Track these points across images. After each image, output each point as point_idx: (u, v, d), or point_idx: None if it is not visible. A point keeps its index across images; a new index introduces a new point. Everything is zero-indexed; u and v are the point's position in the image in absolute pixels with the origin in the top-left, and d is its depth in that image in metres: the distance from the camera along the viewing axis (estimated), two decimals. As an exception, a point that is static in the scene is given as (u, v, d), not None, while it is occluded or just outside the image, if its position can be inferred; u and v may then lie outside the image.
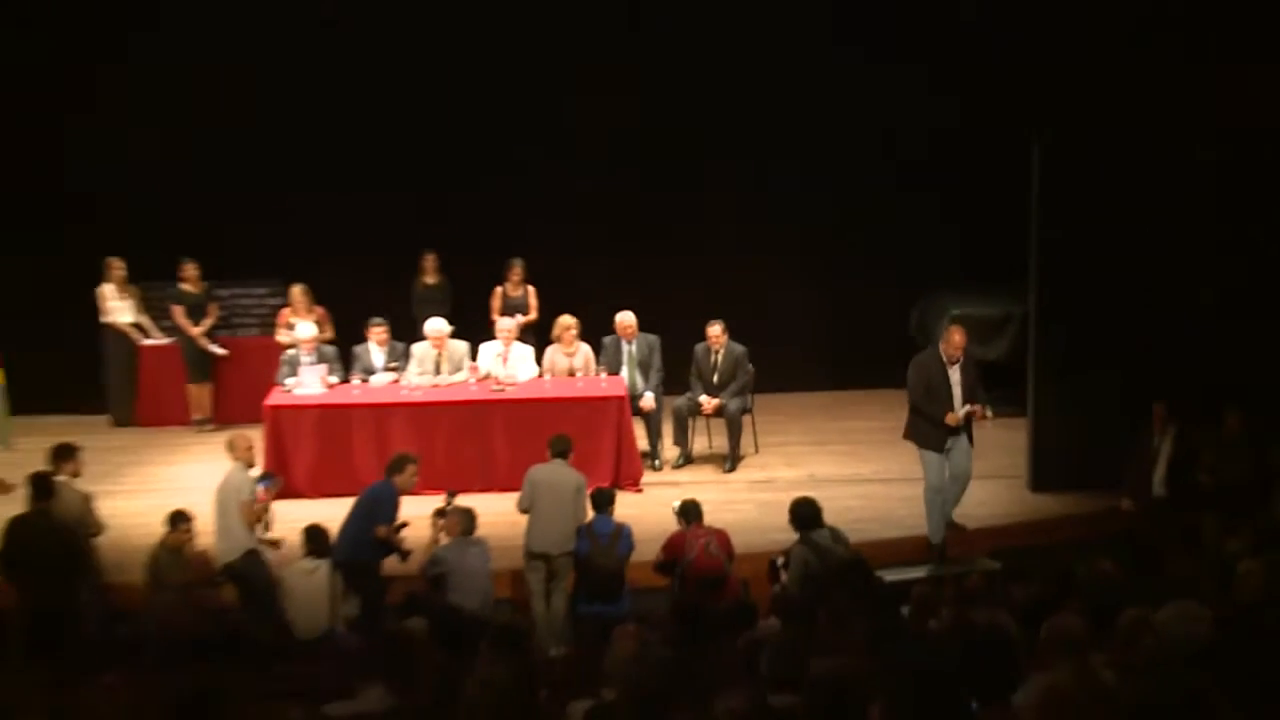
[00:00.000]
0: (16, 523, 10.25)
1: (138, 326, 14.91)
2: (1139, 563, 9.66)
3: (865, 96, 14.88)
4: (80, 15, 14.58)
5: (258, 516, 10.91)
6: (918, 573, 10.82)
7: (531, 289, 14.47)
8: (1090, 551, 9.52)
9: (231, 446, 11.16)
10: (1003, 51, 14.02)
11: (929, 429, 11.35)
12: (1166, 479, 11.36)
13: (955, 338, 11.36)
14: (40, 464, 10.80)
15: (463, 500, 10.74)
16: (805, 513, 10.09)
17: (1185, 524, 10.98)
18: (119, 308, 14.82)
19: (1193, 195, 12.23)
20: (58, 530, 10.22)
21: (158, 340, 14.92)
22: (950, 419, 11.22)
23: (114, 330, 14.86)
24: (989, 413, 11.47)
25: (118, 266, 14.71)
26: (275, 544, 11.08)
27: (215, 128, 14.88)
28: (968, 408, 11.31)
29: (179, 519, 10.46)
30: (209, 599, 10.14)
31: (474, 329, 13.90)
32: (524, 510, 10.69)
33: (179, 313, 14.70)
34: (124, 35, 14.69)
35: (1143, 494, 11.45)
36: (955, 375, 11.31)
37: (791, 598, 8.70)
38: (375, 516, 10.41)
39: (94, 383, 15.02)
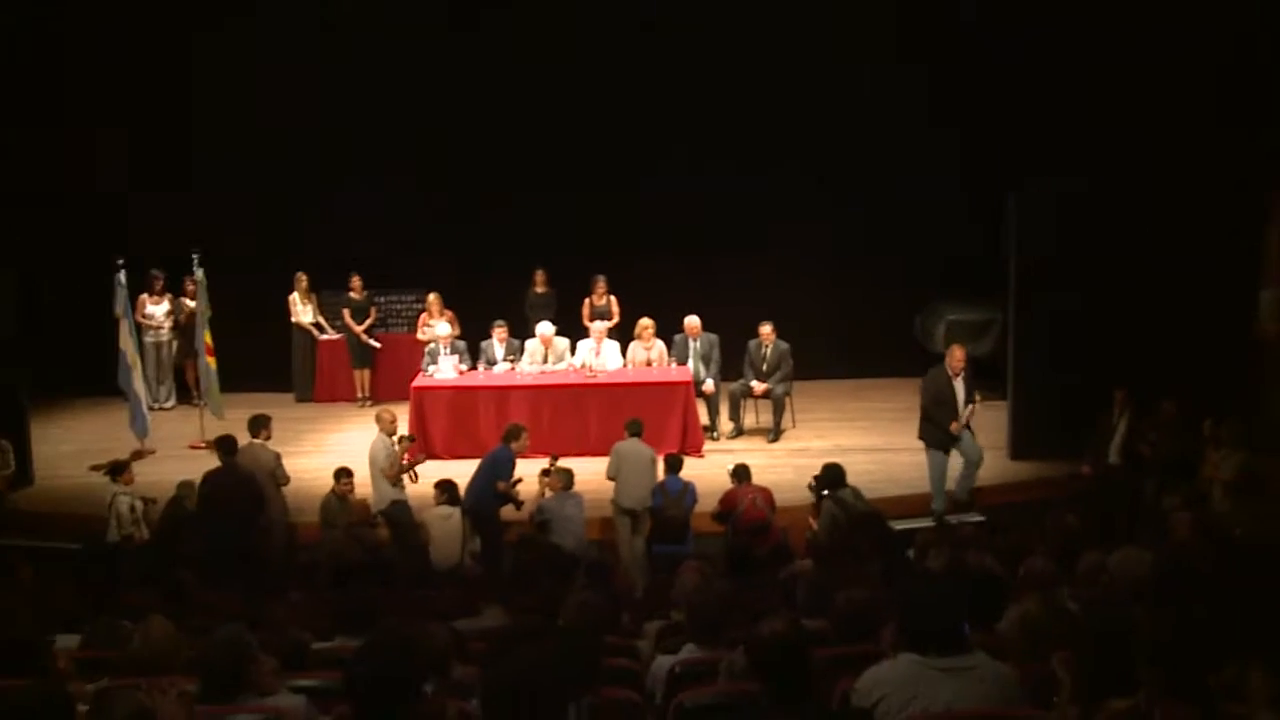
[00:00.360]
0: (210, 474, 10.40)
1: (317, 325, 15.03)
2: (1096, 516, 9.55)
3: (883, 119, 14.66)
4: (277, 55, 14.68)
5: (400, 472, 10.96)
6: (921, 523, 10.72)
7: (613, 298, 14.34)
8: (1058, 507, 9.41)
9: (378, 419, 11.22)
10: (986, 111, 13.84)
11: (937, 432, 11.18)
12: (1120, 450, 11.20)
13: (957, 354, 11.22)
14: (243, 429, 10.97)
15: (563, 463, 10.77)
16: (833, 474, 10.04)
17: (1132, 487, 10.85)
18: (303, 311, 14.96)
19: (1138, 227, 12.04)
20: (242, 479, 10.36)
21: (331, 336, 15.04)
22: (954, 427, 11.08)
23: (299, 328, 15.01)
24: (977, 398, 11.36)
25: (302, 279, 14.86)
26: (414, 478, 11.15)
27: (371, 172, 14.96)
28: (970, 408, 11.19)
29: (343, 474, 10.56)
30: (367, 536, 10.21)
31: (573, 329, 13.89)
32: (611, 477, 10.67)
33: (347, 314, 14.83)
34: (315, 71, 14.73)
35: (1101, 462, 11.29)
36: (959, 386, 11.16)
37: (821, 543, 8.65)
38: (496, 474, 10.45)
39: (283, 368, 15.16)
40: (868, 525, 8.76)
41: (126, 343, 12.91)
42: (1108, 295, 12.01)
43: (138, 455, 12.57)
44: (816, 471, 10.22)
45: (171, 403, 14.86)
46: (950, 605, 4.35)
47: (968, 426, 11.24)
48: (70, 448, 13.36)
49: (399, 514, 10.64)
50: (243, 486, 10.28)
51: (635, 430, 10.87)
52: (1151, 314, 11.95)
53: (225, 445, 10.47)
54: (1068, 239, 12.06)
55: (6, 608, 6.37)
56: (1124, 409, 11.24)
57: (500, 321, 13.54)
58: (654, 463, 10.68)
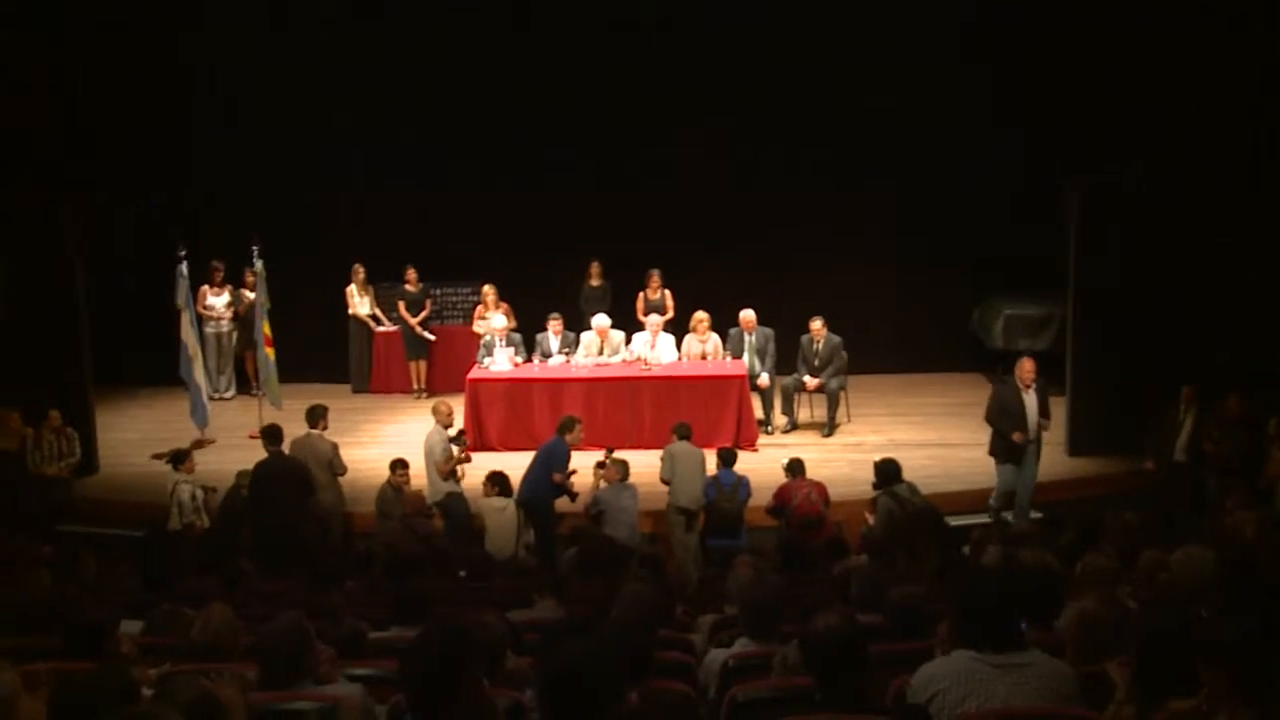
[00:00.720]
0: (260, 464, 10.51)
1: (373, 317, 15.11)
2: (1157, 514, 9.43)
3: (943, 114, 14.52)
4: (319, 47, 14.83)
5: (452, 468, 11.02)
6: (976, 519, 10.63)
7: (668, 292, 14.22)
8: (1117, 504, 9.32)
9: (435, 411, 11.29)
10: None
11: (1004, 444, 10.90)
12: (1187, 448, 11.04)
13: (1026, 366, 10.94)
14: (301, 420, 11.08)
15: (617, 455, 10.79)
16: (888, 469, 9.99)
17: (1196, 485, 10.71)
18: (360, 302, 15.05)
19: (1202, 221, 11.87)
20: (291, 467, 10.47)
21: (387, 327, 15.11)
22: (1017, 437, 10.74)
23: (356, 320, 15.08)
24: (1047, 421, 11.04)
25: (360, 271, 14.94)
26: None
27: (429, 165, 15.05)
28: (1040, 423, 10.88)
29: (399, 465, 10.63)
30: (422, 527, 10.28)
31: (627, 322, 13.90)
32: (665, 480, 10.62)
33: (402, 306, 14.91)
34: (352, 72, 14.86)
35: (1165, 459, 11.15)
36: (1030, 399, 10.83)
37: (876, 538, 8.60)
38: (552, 466, 10.50)
39: (341, 359, 15.27)
40: (924, 521, 8.70)
41: (188, 334, 13.08)
42: (1170, 290, 11.87)
43: (198, 444, 12.75)
44: (870, 466, 10.19)
45: (231, 393, 15.04)
46: (1007, 602, 4.31)
47: (1034, 442, 10.91)
48: (134, 436, 13.56)
49: (454, 506, 10.72)
50: (290, 475, 10.41)
51: (684, 433, 10.85)
52: (1215, 309, 11.80)
53: (272, 435, 10.59)
54: (1129, 233, 11.92)
55: (73, 594, 6.50)
56: (1190, 406, 11.09)
57: (555, 314, 13.58)
58: (704, 462, 10.68)
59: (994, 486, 11.13)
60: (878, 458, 10.35)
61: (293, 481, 10.41)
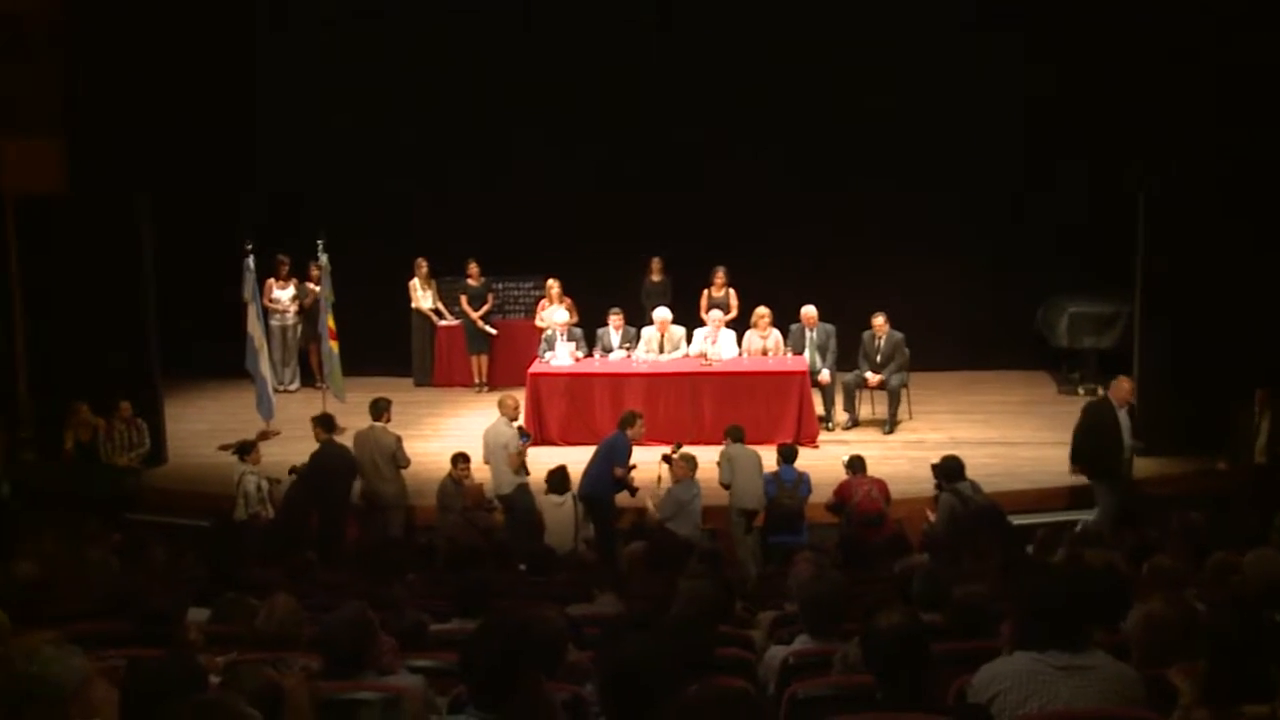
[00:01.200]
0: (316, 453, 10.65)
1: (435, 311, 15.19)
2: (1229, 515, 9.26)
3: (1008, 110, 14.41)
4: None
5: (521, 461, 11.06)
6: (1039, 518, 10.50)
7: (732, 290, 14.14)
8: (1185, 505, 9.17)
9: (501, 404, 11.34)
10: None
11: (1099, 461, 10.68)
12: (1266, 449, 10.83)
13: (1124, 385, 10.75)
14: (364, 412, 11.18)
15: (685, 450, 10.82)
16: (951, 467, 9.91)
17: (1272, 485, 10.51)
18: (423, 296, 15.15)
19: (1273, 218, 11.66)
20: (345, 455, 10.65)
21: (449, 321, 15.18)
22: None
23: (418, 313, 15.18)
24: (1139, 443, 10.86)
25: (423, 265, 15.03)
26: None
27: (493, 160, 15.14)
28: (1132, 445, 10.68)
29: (460, 459, 10.69)
30: (482, 520, 10.34)
31: (688, 318, 13.87)
32: (725, 483, 10.53)
33: (464, 300, 14.98)
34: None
35: (1242, 459, 10.95)
36: (1124, 418, 10.62)
37: (938, 535, 8.53)
38: (613, 460, 10.52)
39: (403, 352, 15.38)
40: (987, 518, 8.63)
41: (254, 326, 13.24)
42: (1238, 287, 11.66)
43: (264, 436, 12.91)
44: (932, 464, 10.11)
45: (295, 385, 15.20)
46: (1074, 603, 4.24)
47: (1128, 462, 10.74)
48: (202, 428, 13.76)
49: (520, 499, 10.74)
50: (346, 464, 10.64)
51: (737, 436, 10.80)
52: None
53: (325, 423, 10.77)
54: (1198, 229, 11.72)
55: (143, 582, 6.60)
56: (1265, 408, 10.89)
57: (616, 309, 13.59)
58: (762, 462, 10.63)
59: (1056, 487, 11.00)
60: (939, 455, 10.27)
61: (346, 471, 10.63)
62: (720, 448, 10.89)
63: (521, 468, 10.98)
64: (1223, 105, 12.20)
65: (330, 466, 10.61)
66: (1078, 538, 8.13)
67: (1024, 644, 4.25)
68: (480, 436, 11.36)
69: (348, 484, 10.65)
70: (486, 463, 11.01)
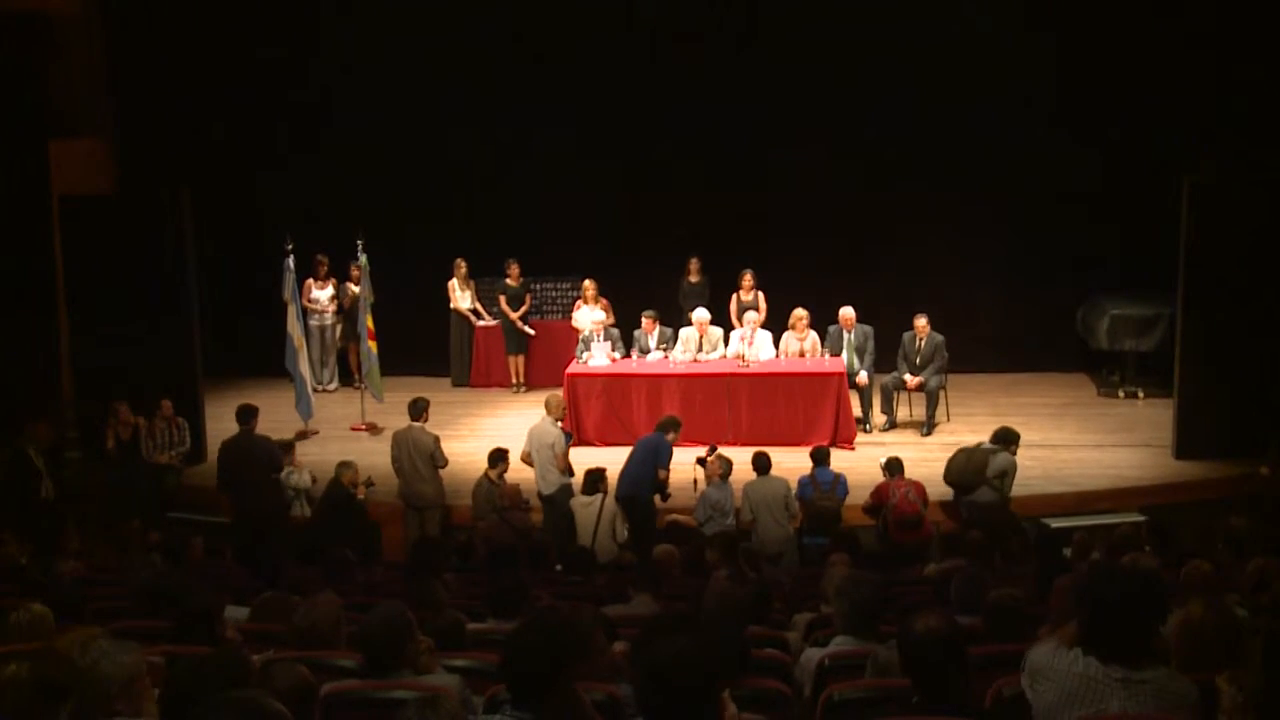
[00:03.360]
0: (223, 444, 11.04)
1: (474, 311, 15.26)
2: (1271, 520, 9.18)
3: (1048, 112, 14.32)
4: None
5: (565, 463, 11.08)
6: (1078, 521, 10.44)
7: (761, 294, 14.02)
8: (1226, 509, 9.10)
9: (548, 404, 11.36)
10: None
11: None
12: None
13: None
14: (403, 412, 11.24)
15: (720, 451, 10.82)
16: (1003, 433, 10.49)
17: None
18: (461, 297, 15.21)
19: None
20: (253, 446, 10.94)
21: (488, 322, 15.24)
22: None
23: (457, 314, 15.24)
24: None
25: (461, 265, 15.10)
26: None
27: (533, 162, 15.20)
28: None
29: (498, 458, 10.72)
30: (519, 520, 10.36)
31: (721, 321, 13.80)
32: (745, 523, 10.26)
33: (503, 301, 15.03)
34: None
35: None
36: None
37: (975, 539, 8.45)
38: (657, 462, 10.53)
39: (442, 353, 15.46)
40: (999, 518, 8.64)
41: (294, 326, 13.34)
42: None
43: (302, 436, 13.02)
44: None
45: (334, 385, 15.31)
46: (1145, 610, 4.11)
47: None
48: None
49: (564, 498, 10.76)
50: (260, 455, 10.87)
51: (763, 467, 10.45)
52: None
53: (239, 414, 11.01)
54: (1241, 230, 11.61)
55: (184, 580, 6.67)
56: None
57: (649, 311, 13.60)
58: (788, 497, 10.28)
59: (1109, 489, 10.94)
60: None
61: (262, 462, 10.85)
62: (755, 449, 10.82)
63: (567, 468, 11.00)
64: (1267, 103, 12.11)
65: (230, 459, 10.88)
66: (1114, 542, 8.07)
67: (1088, 644, 4.12)
68: (518, 435, 11.39)
69: (256, 475, 10.84)
70: (524, 460, 11.02)
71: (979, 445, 10.64)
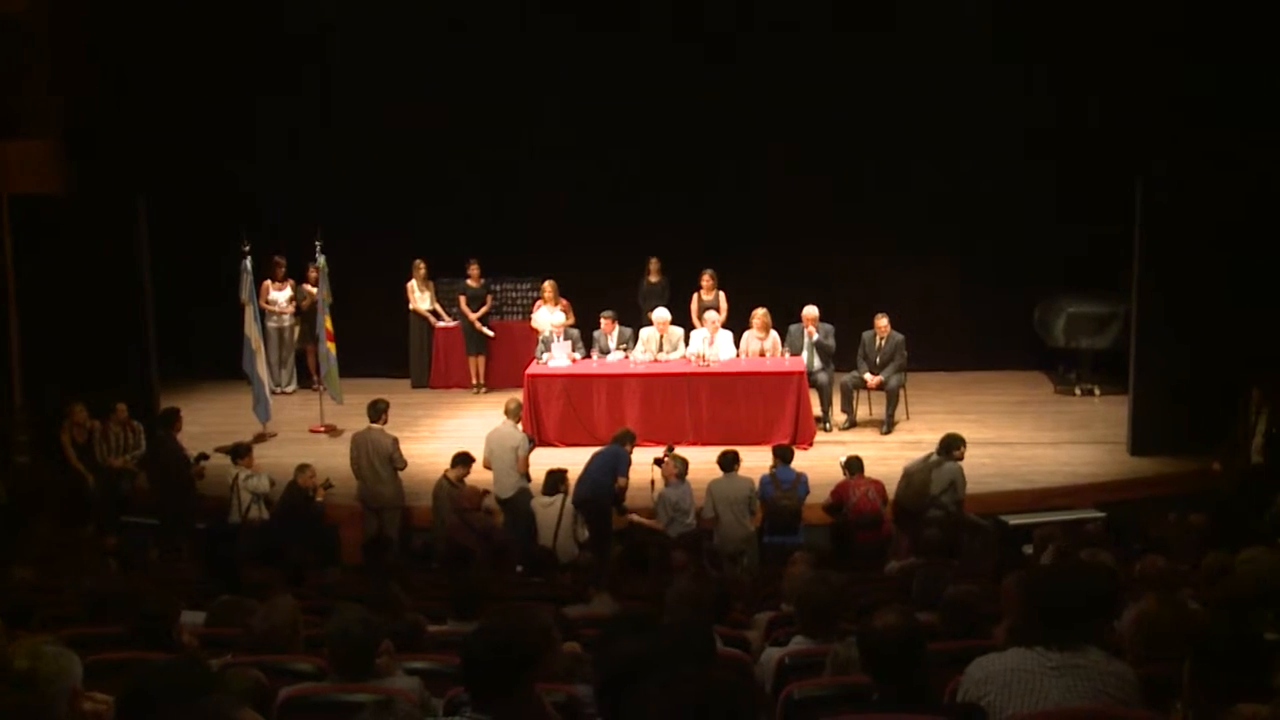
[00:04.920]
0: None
1: (433, 312, 15.20)
2: (1223, 515, 9.28)
3: (1004, 111, 14.40)
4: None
5: (527, 465, 11.06)
6: (1035, 518, 10.51)
7: (722, 293, 14.06)
8: (1180, 505, 9.20)
9: (507, 408, 11.35)
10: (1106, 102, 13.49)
11: None
12: (1263, 449, 10.85)
13: None
14: (363, 415, 11.17)
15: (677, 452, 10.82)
16: (947, 441, 10.10)
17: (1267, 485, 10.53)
18: (420, 298, 15.14)
19: (1271, 214, 11.69)
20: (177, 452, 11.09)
21: (447, 323, 15.19)
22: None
23: (416, 315, 15.18)
24: None
25: (421, 266, 15.03)
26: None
27: (492, 165, 15.16)
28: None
29: (460, 460, 10.67)
30: (480, 521, 10.33)
31: (682, 322, 13.81)
32: (708, 519, 10.28)
33: (463, 301, 14.98)
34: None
35: (1238, 460, 10.97)
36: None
37: (934, 538, 8.48)
38: (618, 470, 10.56)
39: (401, 354, 15.39)
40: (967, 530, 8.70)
41: (251, 328, 13.24)
42: (1235, 287, 11.68)
43: (259, 438, 12.92)
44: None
45: (293, 387, 15.21)
46: (1068, 600, 4.21)
47: None
48: (197, 430, 13.70)
49: (522, 502, 10.75)
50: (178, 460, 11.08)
51: (728, 464, 10.45)
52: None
53: (161, 419, 11.24)
54: (1195, 228, 11.73)
55: (139, 585, 6.60)
56: (1261, 406, 10.91)
57: (608, 312, 13.59)
58: (750, 498, 10.31)
59: (1066, 485, 11.02)
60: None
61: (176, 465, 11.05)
62: (718, 448, 10.85)
63: (525, 473, 10.98)
64: (1219, 105, 12.22)
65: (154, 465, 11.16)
66: (1072, 537, 8.14)
67: (1019, 640, 4.25)
68: (478, 437, 11.36)
69: (167, 479, 11.02)
70: (487, 466, 10.99)
71: (922, 462, 10.33)
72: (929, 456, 10.34)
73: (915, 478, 10.26)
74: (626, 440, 10.83)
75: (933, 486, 10.14)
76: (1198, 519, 8.13)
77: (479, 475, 10.87)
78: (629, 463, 10.65)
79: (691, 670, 3.30)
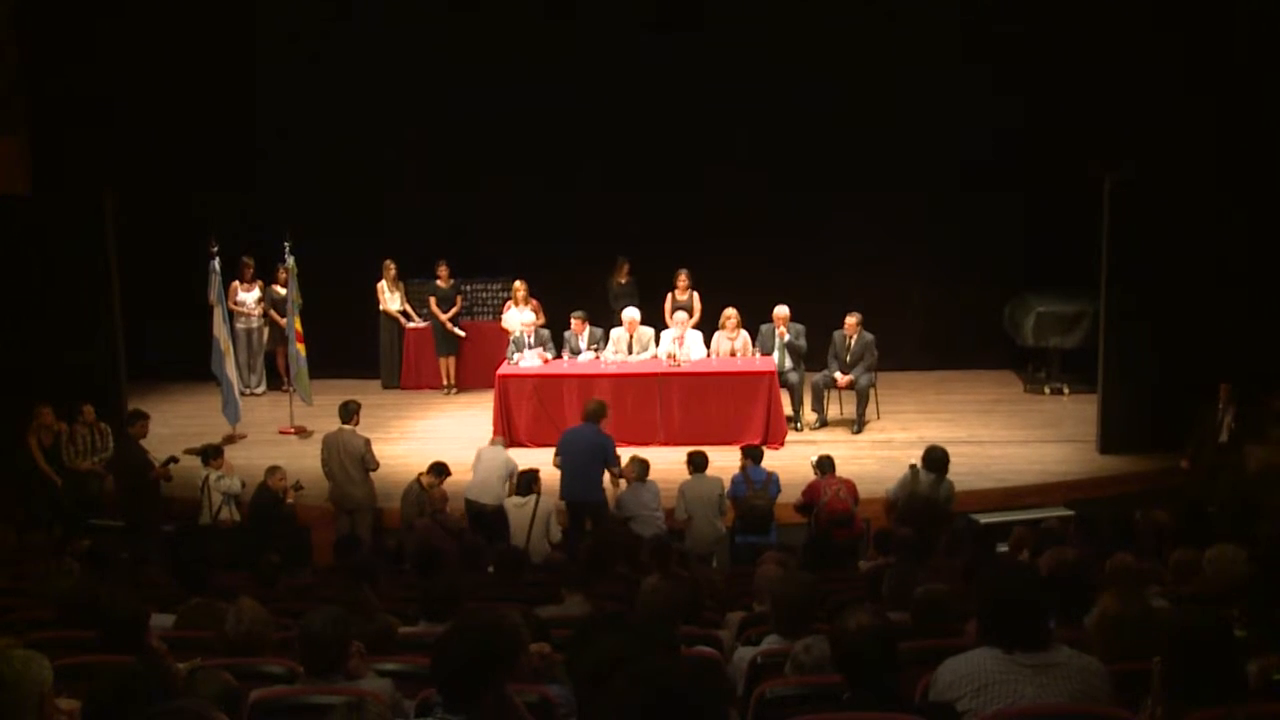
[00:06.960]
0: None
1: (403, 313, 15.14)
2: (1190, 512, 9.36)
3: (972, 112, 14.45)
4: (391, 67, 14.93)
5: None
6: (1006, 516, 10.57)
7: (695, 294, 14.07)
8: (1148, 502, 9.26)
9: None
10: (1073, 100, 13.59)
11: None
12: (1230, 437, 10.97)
13: None
14: (333, 416, 11.13)
15: (645, 452, 10.81)
16: (932, 456, 10.03)
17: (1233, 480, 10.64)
18: (390, 298, 15.08)
19: (1236, 214, 11.81)
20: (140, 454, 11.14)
21: (417, 323, 15.15)
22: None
23: (386, 316, 15.11)
24: None
25: (390, 267, 14.97)
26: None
27: (459, 162, 15.14)
28: None
29: (437, 469, 10.56)
30: (452, 522, 10.30)
31: (655, 322, 13.82)
32: (680, 521, 10.32)
33: (433, 302, 14.94)
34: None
35: (1206, 457, 11.06)
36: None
37: (906, 536, 8.53)
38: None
39: (371, 355, 15.32)
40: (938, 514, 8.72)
41: (220, 329, 13.17)
42: (1203, 286, 11.79)
43: (230, 440, 12.85)
44: (898, 464, 10.16)
45: (262, 389, 15.13)
46: (1035, 600, 4.28)
47: None
48: (166, 432, 13.62)
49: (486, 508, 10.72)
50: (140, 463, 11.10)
51: (699, 465, 10.50)
52: (1251, 304, 11.71)
53: (126, 421, 11.25)
54: (1161, 228, 11.83)
55: (108, 589, 6.55)
56: (1228, 403, 11.01)
57: (579, 312, 13.57)
58: (721, 498, 10.38)
59: (1035, 484, 11.08)
60: (907, 455, 10.33)
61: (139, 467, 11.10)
62: (688, 448, 10.87)
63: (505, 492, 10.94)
64: (1188, 102, 12.35)
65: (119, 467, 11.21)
66: (1040, 536, 8.20)
67: (988, 641, 4.28)
68: (449, 438, 11.35)
69: (130, 482, 11.06)
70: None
71: (918, 482, 10.07)
72: (917, 471, 10.11)
73: (930, 498, 9.98)
74: (599, 415, 10.75)
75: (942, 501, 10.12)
76: (1164, 516, 8.18)
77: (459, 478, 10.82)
78: (614, 447, 10.61)
79: (658, 662, 3.32)
